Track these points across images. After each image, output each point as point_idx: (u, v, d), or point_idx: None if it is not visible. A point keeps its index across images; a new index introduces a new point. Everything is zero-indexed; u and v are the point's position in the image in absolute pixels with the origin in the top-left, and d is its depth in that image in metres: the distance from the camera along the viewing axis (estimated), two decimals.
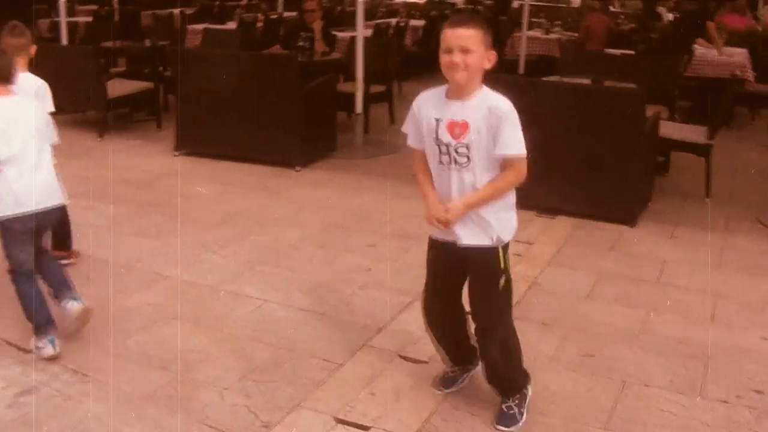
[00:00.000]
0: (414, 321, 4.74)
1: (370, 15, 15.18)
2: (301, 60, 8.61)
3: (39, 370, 4.10)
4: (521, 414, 3.73)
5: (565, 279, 5.50)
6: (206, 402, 3.87)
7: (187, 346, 4.42)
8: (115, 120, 9.95)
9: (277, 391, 3.97)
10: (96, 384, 4.01)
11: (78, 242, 5.88)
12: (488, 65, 3.40)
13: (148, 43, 11.60)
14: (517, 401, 3.75)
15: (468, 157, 3.40)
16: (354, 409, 3.82)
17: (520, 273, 5.53)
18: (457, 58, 3.29)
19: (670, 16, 15.34)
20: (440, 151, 3.45)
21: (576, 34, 12.85)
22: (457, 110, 3.40)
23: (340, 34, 11.19)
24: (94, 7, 17.31)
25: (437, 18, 15.88)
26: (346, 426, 3.70)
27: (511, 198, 3.59)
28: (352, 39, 9.67)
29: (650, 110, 6.77)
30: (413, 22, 15.39)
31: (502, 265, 3.53)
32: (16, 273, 4.28)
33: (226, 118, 8.33)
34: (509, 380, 3.79)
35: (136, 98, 9.90)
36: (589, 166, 6.55)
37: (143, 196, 7.10)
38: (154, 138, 9.39)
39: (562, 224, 6.54)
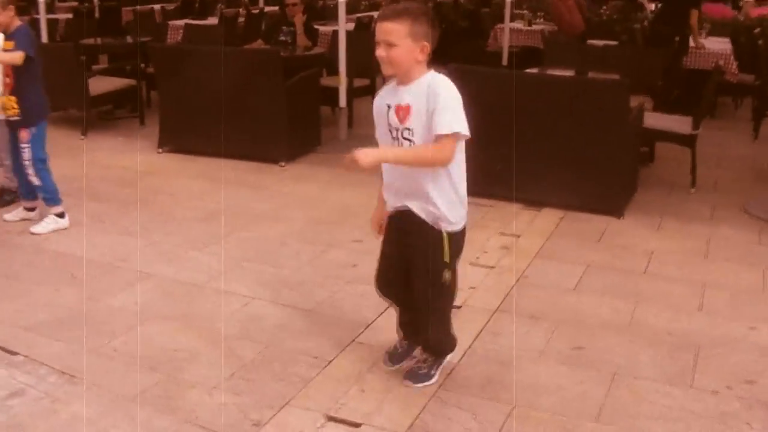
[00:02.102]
0: None
1: (351, 9, 15.14)
2: (283, 55, 8.57)
3: (26, 373, 4.06)
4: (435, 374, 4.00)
5: (553, 271, 5.49)
6: (195, 402, 3.84)
7: (174, 345, 4.39)
8: (98, 118, 9.89)
9: (266, 389, 3.95)
10: (84, 385, 3.97)
11: (62, 241, 5.88)
12: (421, 57, 3.42)
13: (129, 39, 11.52)
14: (432, 362, 4.01)
15: (411, 141, 3.47)
16: (344, 406, 3.80)
17: (507, 266, 5.55)
18: (382, 52, 3.38)
19: (652, 6, 15.35)
20: (392, 137, 3.53)
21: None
22: (403, 95, 3.48)
23: (322, 28, 11.15)
24: (74, 3, 17.20)
25: None
26: (336, 423, 3.68)
27: (457, 191, 3.62)
28: (335, 33, 9.64)
29: (634, 101, 6.77)
30: None
31: (446, 257, 3.61)
32: None
33: (209, 115, 8.26)
34: (438, 346, 4.03)
35: (118, 95, 9.83)
36: (574, 157, 6.55)
37: (127, 194, 7.05)
38: (138, 135, 9.33)
39: (549, 216, 6.54)
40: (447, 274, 3.66)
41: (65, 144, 8.71)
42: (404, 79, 3.48)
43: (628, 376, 4.10)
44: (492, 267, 5.53)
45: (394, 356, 4.14)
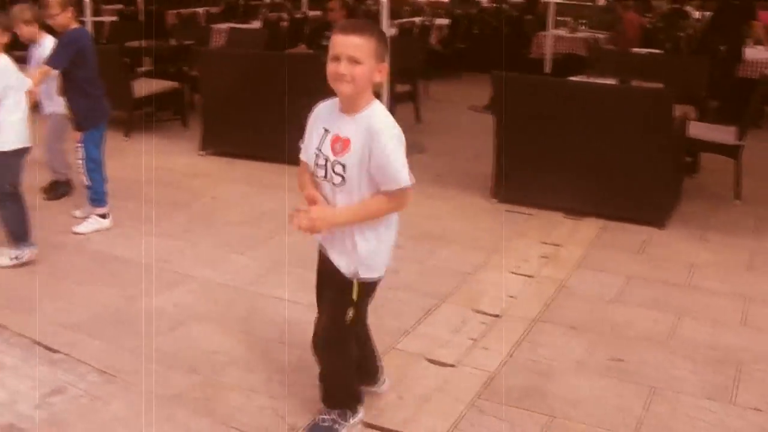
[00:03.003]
0: (442, 324, 4.73)
1: (395, 14, 15.15)
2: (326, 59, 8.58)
3: (66, 371, 4.11)
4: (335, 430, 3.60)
5: (594, 282, 5.44)
6: (233, 404, 3.86)
7: (213, 347, 4.41)
8: (141, 119, 9.99)
9: (303, 393, 3.94)
10: (123, 385, 4.01)
11: (103, 241, 5.94)
12: (378, 78, 3.14)
13: (173, 42, 11.63)
14: (335, 415, 3.60)
15: (343, 177, 3.17)
16: (382, 413, 3.79)
17: (547, 275, 5.51)
18: (344, 68, 3.06)
19: (697, 15, 15.21)
20: (317, 164, 3.26)
21: (603, 33, 12.82)
22: (343, 125, 3.20)
23: None
24: (120, 6, 17.39)
25: (462, 17, 15.84)
26: (374, 430, 3.68)
27: (387, 235, 3.40)
28: None
29: (678, 110, 6.70)
30: (438, 21, 15.34)
31: (354, 297, 3.34)
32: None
33: (252, 118, 8.32)
34: (332, 391, 3.67)
35: (161, 98, 9.90)
36: (616, 167, 6.50)
37: (169, 196, 7.11)
38: (180, 137, 9.41)
39: (590, 226, 6.48)
40: (351, 312, 3.36)
41: (109, 145, 8.69)
42: (350, 107, 3.19)
43: (668, 390, 4.05)
44: (532, 276, 5.50)
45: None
